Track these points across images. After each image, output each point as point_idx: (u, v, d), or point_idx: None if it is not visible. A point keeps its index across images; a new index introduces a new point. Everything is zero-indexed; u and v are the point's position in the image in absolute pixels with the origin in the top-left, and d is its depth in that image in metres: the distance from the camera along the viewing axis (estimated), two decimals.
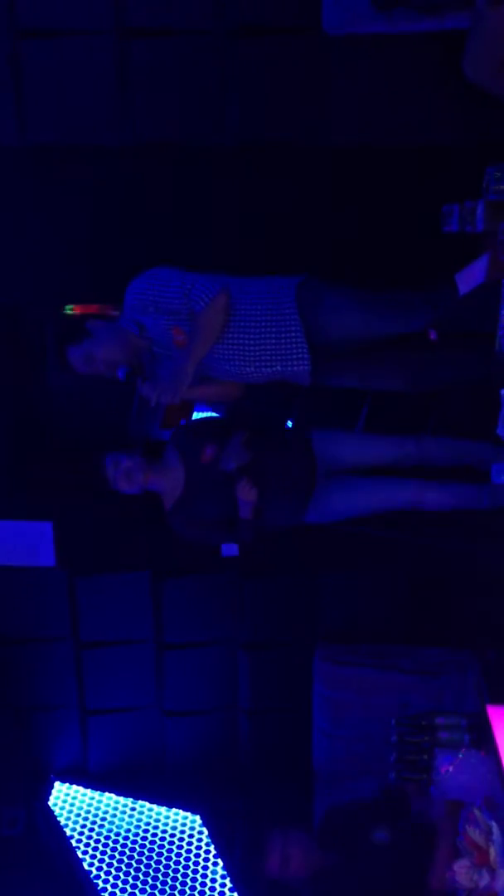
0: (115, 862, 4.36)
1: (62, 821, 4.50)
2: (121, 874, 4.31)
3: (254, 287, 3.34)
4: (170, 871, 4.32)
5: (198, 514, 3.52)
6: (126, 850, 4.41)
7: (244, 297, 3.31)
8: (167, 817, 4.53)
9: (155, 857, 4.38)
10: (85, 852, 4.39)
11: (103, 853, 4.39)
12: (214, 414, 4.19)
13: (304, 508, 3.55)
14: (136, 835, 4.46)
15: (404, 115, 3.41)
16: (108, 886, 4.26)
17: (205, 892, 4.24)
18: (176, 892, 4.24)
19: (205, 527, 3.55)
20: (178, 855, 4.39)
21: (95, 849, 4.41)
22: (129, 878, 4.29)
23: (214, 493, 3.45)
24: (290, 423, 4.04)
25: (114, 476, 3.46)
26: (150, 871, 4.33)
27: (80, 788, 4.64)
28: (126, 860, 4.37)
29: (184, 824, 4.50)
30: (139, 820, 4.52)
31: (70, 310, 3.97)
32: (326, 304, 3.32)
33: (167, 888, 4.25)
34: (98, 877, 4.29)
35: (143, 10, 3.43)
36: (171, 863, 4.36)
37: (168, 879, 4.29)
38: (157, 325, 3.35)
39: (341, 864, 3.27)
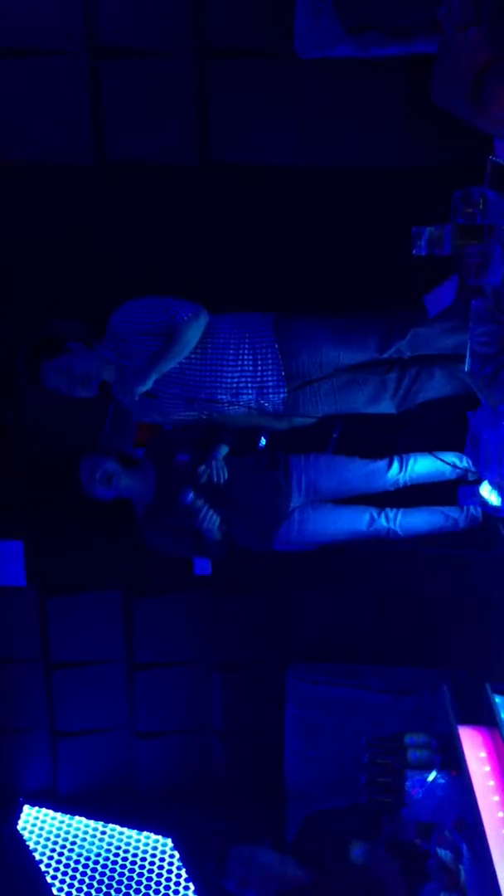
0: (85, 886, 4.29)
1: (31, 845, 4.44)
2: None
3: (231, 319, 3.43)
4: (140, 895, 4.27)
5: (167, 520, 3.54)
6: (97, 874, 4.35)
7: (222, 326, 3.37)
8: (138, 840, 4.47)
9: (126, 882, 4.32)
10: (55, 877, 4.32)
11: (73, 877, 4.33)
12: None
13: (273, 533, 3.57)
14: (107, 859, 4.40)
15: (374, 138, 3.45)
16: None
17: None
18: None
19: (174, 535, 3.56)
20: (150, 879, 4.33)
21: (65, 873, 4.34)
22: None
23: (181, 501, 3.45)
24: (263, 440, 4.04)
25: (89, 479, 3.46)
26: (121, 895, 4.27)
27: (50, 812, 4.58)
28: (97, 884, 4.31)
29: (155, 848, 4.44)
30: (110, 843, 4.46)
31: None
32: (299, 332, 3.37)
33: None
34: None
35: (116, 31, 3.45)
36: (143, 887, 4.30)
37: None
38: (137, 348, 3.40)
39: (314, 885, 3.25)
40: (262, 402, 3.43)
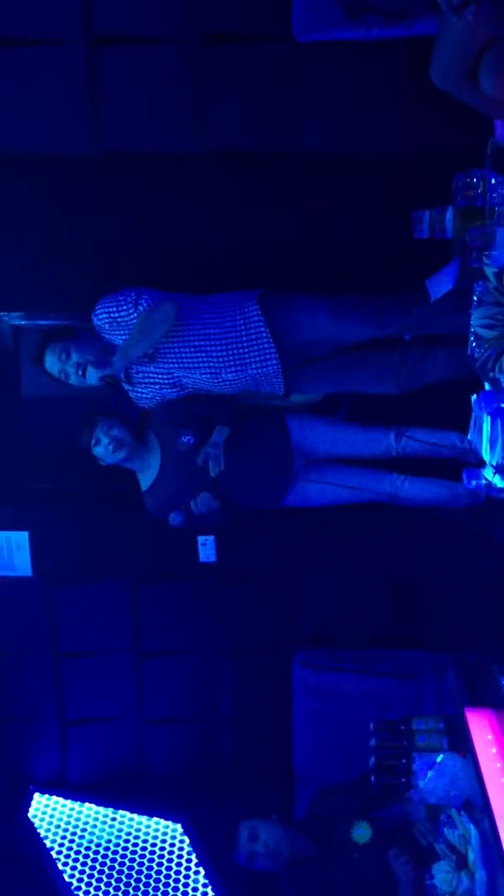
0: (96, 873, 4.32)
1: (42, 832, 4.46)
2: (102, 885, 4.28)
3: (216, 298, 3.45)
4: (151, 881, 4.29)
5: (171, 497, 3.57)
6: (107, 860, 4.37)
7: (205, 304, 3.41)
8: (148, 827, 4.50)
9: (136, 868, 4.35)
10: (65, 864, 4.35)
11: (84, 864, 4.35)
12: None
13: (279, 496, 3.59)
14: (118, 845, 4.43)
15: (374, 121, 3.44)
16: None
17: None
18: None
19: (178, 509, 3.57)
20: (160, 864, 4.35)
21: (76, 860, 4.37)
22: (111, 889, 4.26)
23: (187, 478, 3.51)
24: None
25: (98, 438, 3.50)
26: (132, 881, 4.30)
27: (60, 799, 4.60)
28: (107, 871, 4.33)
29: (165, 833, 4.47)
30: (120, 830, 4.49)
31: None
32: (294, 305, 3.38)
33: None
34: (79, 888, 4.26)
35: (113, 19, 3.43)
36: (153, 872, 4.32)
37: (150, 889, 4.25)
38: (119, 338, 3.45)
39: (317, 858, 3.32)
40: (256, 376, 3.44)
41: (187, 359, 3.42)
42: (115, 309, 3.41)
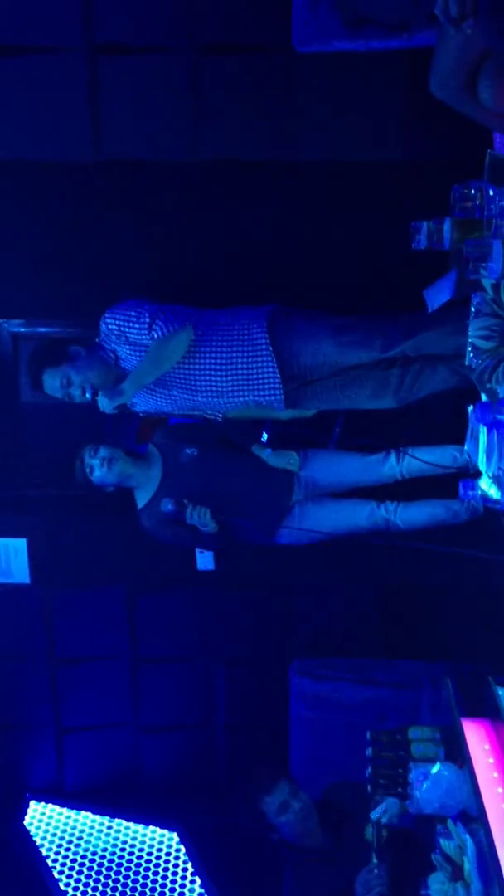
0: (91, 881, 4.32)
1: (38, 840, 4.46)
2: (98, 893, 4.27)
3: (223, 318, 3.41)
4: (147, 890, 4.29)
5: (169, 512, 3.52)
6: (103, 868, 4.37)
7: (214, 328, 3.38)
8: (144, 835, 4.49)
9: (132, 876, 4.34)
10: (61, 872, 4.35)
11: (80, 872, 4.35)
12: None
13: (275, 528, 3.57)
14: (113, 853, 4.43)
15: (373, 132, 3.45)
16: None
17: None
18: None
19: (174, 526, 3.53)
20: (156, 873, 4.35)
21: (72, 868, 4.37)
22: None
23: (187, 493, 3.46)
24: (265, 436, 4.05)
25: (90, 464, 3.46)
26: (128, 889, 4.30)
27: (56, 807, 4.60)
28: (103, 879, 4.33)
29: (161, 842, 4.46)
30: (116, 838, 4.48)
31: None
32: (298, 331, 3.36)
33: None
34: None
35: (114, 28, 3.45)
36: (149, 881, 4.32)
37: None
38: (129, 357, 3.43)
39: (326, 850, 3.29)
40: (259, 401, 3.45)
41: (192, 382, 3.41)
42: (126, 324, 3.36)
